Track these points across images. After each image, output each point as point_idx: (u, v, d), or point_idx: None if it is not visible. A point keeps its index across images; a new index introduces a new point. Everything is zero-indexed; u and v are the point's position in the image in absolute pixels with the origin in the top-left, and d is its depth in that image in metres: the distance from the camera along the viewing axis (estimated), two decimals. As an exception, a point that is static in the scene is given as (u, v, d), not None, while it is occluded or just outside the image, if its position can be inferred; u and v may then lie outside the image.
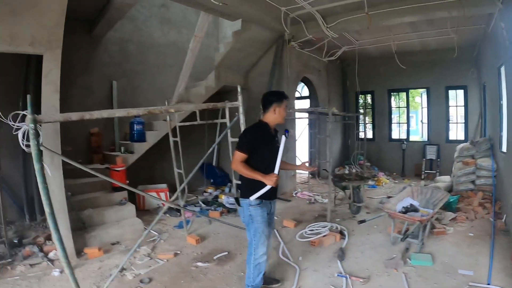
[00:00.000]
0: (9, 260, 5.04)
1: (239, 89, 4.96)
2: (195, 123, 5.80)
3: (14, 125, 4.56)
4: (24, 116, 4.59)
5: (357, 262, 4.94)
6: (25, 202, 6.92)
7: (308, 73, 11.24)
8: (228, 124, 5.26)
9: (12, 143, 6.39)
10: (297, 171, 10.66)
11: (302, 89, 13.61)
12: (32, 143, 2.88)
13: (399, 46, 10.67)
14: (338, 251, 5.22)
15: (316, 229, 6.20)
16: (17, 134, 4.71)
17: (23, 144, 4.64)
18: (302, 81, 11.53)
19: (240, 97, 4.93)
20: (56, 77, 5.11)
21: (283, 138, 3.62)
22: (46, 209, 2.99)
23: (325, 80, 12.38)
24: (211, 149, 5.68)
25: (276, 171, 3.57)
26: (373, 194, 9.41)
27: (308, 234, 6.02)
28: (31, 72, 6.68)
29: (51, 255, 5.27)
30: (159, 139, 7.98)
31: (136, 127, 7.78)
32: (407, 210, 5.69)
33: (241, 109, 4.89)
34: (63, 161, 4.91)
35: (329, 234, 5.92)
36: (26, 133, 4.54)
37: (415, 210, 5.74)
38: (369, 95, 14.18)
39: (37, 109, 5.01)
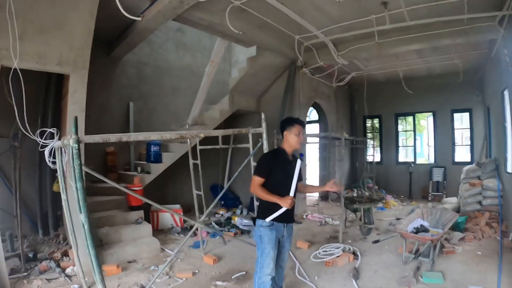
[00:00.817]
0: (25, 274, 5.12)
1: (262, 116, 5.14)
2: (217, 147, 6.01)
3: (41, 142, 4.76)
4: (50, 133, 4.82)
5: (371, 281, 5.07)
6: (39, 217, 7.07)
7: (318, 98, 11.50)
8: (251, 149, 5.43)
9: (28, 159, 6.60)
10: (307, 194, 10.77)
11: (311, 113, 13.84)
12: (75, 162, 3.00)
13: (405, 72, 10.97)
14: (353, 271, 5.33)
15: (329, 250, 6.28)
16: (44, 150, 4.92)
17: (49, 161, 4.83)
18: (312, 106, 11.76)
19: (264, 124, 5.11)
20: (82, 97, 5.32)
21: (298, 161, 3.72)
22: (86, 226, 3.12)
23: (334, 105, 12.66)
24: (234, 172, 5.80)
25: (291, 193, 3.60)
26: (382, 216, 9.49)
27: (322, 255, 6.11)
28: (51, 91, 6.93)
29: (68, 270, 5.35)
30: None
31: (153, 148, 7.96)
32: (418, 230, 5.87)
33: (264, 135, 5.05)
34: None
35: (343, 254, 6.03)
36: (52, 150, 4.76)
37: (426, 230, 5.91)
38: (376, 119, 14.44)
39: (56, 127, 5.26)
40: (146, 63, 9.39)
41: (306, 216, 9.58)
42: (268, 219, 3.72)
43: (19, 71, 4.47)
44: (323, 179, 11.78)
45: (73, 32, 5.18)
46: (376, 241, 6.56)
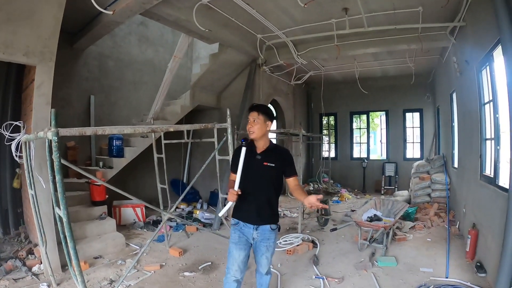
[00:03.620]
0: None
1: (228, 112, 5.29)
2: (182, 141, 6.10)
3: (8, 135, 4.67)
4: (16, 126, 4.73)
5: (330, 266, 5.50)
6: None
7: (276, 96, 11.83)
8: (216, 144, 5.57)
9: None
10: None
11: None
12: (54, 155, 2.98)
13: (361, 72, 11.50)
14: (313, 257, 5.78)
15: (289, 240, 6.59)
16: (7, 144, 4.82)
17: (16, 155, 4.75)
18: (270, 102, 11.95)
19: (229, 119, 5.25)
20: (48, 89, 5.16)
21: (242, 149, 3.29)
22: (65, 219, 3.14)
23: (291, 102, 13.07)
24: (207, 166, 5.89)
25: (236, 187, 3.22)
26: (337, 208, 10.01)
27: (282, 245, 6.42)
28: (10, 83, 6.60)
29: (34, 269, 5.22)
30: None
31: (115, 142, 7.87)
32: (372, 219, 6.39)
33: (229, 130, 5.19)
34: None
35: (302, 243, 6.41)
36: (19, 145, 4.68)
37: (379, 219, 6.43)
38: (332, 116, 15.07)
39: (15, 119, 5.13)
40: (108, 55, 9.23)
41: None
42: (220, 213, 3.62)
43: None
44: None
45: (41, 22, 5.00)
46: (334, 229, 6.92)
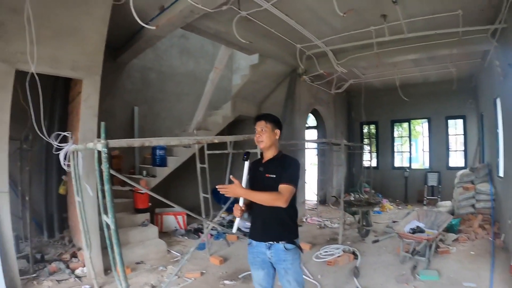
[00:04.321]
0: (34, 275, 5.23)
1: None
2: (225, 151, 6.23)
3: (56, 145, 4.90)
4: (64, 137, 4.97)
5: (371, 278, 5.38)
6: (45, 219, 7.12)
7: (317, 105, 11.76)
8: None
9: (35, 160, 6.64)
10: (306, 198, 11.00)
11: (308, 119, 13.87)
12: (104, 166, 3.11)
13: (402, 79, 11.23)
14: (354, 269, 5.67)
15: (330, 251, 6.53)
16: (53, 153, 5.03)
17: (64, 164, 4.98)
18: (311, 112, 12.00)
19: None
20: (95, 102, 5.46)
21: (245, 163, 3.11)
22: (112, 227, 3.25)
23: (332, 111, 12.96)
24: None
25: (240, 201, 3.05)
26: (378, 219, 9.79)
27: (323, 255, 6.37)
28: (57, 95, 7.03)
29: (77, 272, 5.47)
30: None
31: (158, 152, 8.12)
32: (414, 231, 6.22)
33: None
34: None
35: (343, 255, 6.32)
36: (67, 154, 4.91)
37: (421, 231, 6.26)
38: (373, 125, 14.79)
39: (62, 130, 5.40)
40: (150, 68, 9.60)
41: (306, 219, 9.81)
42: (233, 229, 3.34)
43: (36, 76, 4.59)
44: (322, 184, 12.01)
45: (86, 37, 5.32)
46: (376, 241, 6.83)
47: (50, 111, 6.95)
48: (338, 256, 6.25)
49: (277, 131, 3.26)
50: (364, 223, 7.73)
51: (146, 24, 5.68)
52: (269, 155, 3.25)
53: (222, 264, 6.11)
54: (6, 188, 4.67)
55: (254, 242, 3.21)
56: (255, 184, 3.16)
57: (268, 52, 8.54)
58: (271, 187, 2.99)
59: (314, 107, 11.69)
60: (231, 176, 3.09)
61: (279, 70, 9.49)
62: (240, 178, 3.02)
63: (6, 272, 4.51)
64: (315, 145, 11.45)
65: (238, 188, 2.91)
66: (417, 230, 6.23)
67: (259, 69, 9.13)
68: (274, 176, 3.05)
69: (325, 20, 7.00)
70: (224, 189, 2.93)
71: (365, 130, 15.12)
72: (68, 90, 6.95)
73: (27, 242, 5.79)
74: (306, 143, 10.67)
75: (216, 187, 2.90)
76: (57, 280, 5.16)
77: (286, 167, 3.04)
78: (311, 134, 14.17)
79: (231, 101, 9.67)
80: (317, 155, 12.53)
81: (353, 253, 6.52)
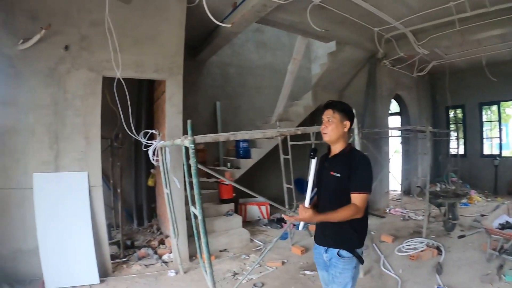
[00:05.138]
0: (124, 259, 5.81)
1: (354, 112, 5.14)
2: (308, 142, 6.27)
3: (145, 142, 5.32)
4: (152, 134, 5.35)
5: (454, 276, 5.00)
6: (135, 209, 7.92)
7: (399, 90, 11.20)
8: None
9: (125, 156, 7.31)
10: (390, 188, 10.69)
11: (390, 105, 13.34)
12: (192, 161, 3.32)
13: (488, 57, 10.15)
14: (436, 265, 5.32)
15: (413, 244, 6.25)
16: (143, 149, 5.50)
17: (153, 159, 5.38)
18: (393, 98, 11.46)
19: (355, 120, 5.07)
20: (179, 100, 5.83)
21: (312, 161, 2.64)
22: (200, 217, 3.42)
23: (415, 96, 12.16)
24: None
25: (306, 203, 2.62)
26: (465, 212, 8.97)
27: (406, 249, 6.11)
28: (143, 96, 7.70)
29: (164, 257, 5.94)
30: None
31: (242, 144, 8.40)
32: (503, 227, 5.60)
33: (356, 131, 5.06)
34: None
35: (426, 249, 5.99)
36: (155, 150, 5.29)
37: (511, 227, 5.63)
38: (459, 109, 13.39)
39: (148, 127, 5.87)
40: (229, 64, 9.97)
41: (389, 210, 9.49)
42: (300, 227, 2.91)
43: (122, 80, 5.05)
44: (406, 173, 11.46)
45: (166, 41, 5.70)
46: (462, 236, 6.37)
47: (136, 111, 7.61)
48: (421, 251, 5.94)
49: (347, 123, 2.83)
50: (450, 216, 7.21)
51: (221, 22, 5.87)
52: (336, 149, 2.86)
53: (303, 254, 6.15)
54: (100, 183, 5.23)
55: (315, 244, 2.95)
56: (320, 182, 2.83)
57: (345, 38, 8.34)
58: (335, 188, 2.71)
59: (396, 93, 11.13)
60: (300, 206, 2.60)
61: (358, 56, 9.22)
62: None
63: (99, 256, 5.06)
64: (398, 132, 10.98)
65: (307, 214, 2.51)
66: (506, 226, 5.59)
67: (337, 56, 8.94)
68: (339, 175, 2.67)
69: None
70: (293, 219, 2.71)
71: (451, 114, 13.72)
72: (153, 90, 7.46)
73: (119, 230, 6.41)
74: (389, 131, 10.30)
75: (283, 216, 2.67)
76: (145, 265, 5.65)
77: (354, 168, 2.63)
78: (395, 121, 13.46)
79: (312, 90, 9.62)
80: (401, 143, 12.01)
81: (437, 248, 6.13)
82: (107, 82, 5.27)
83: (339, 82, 10.03)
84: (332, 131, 2.77)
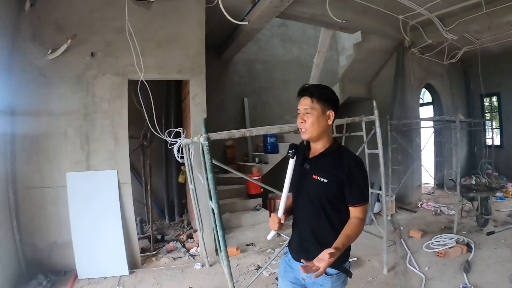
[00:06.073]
0: (153, 252, 6.07)
1: (374, 104, 5.07)
2: (337, 135, 6.28)
3: (170, 140, 5.54)
4: (176, 132, 5.55)
5: (482, 275, 4.82)
6: (166, 205, 8.22)
7: (430, 79, 10.81)
8: (365, 137, 5.57)
9: (155, 155, 7.63)
10: (423, 181, 10.35)
11: (424, 95, 12.86)
12: (206, 157, 3.47)
13: None
14: (464, 264, 5.13)
15: (443, 241, 6.08)
16: (171, 147, 5.69)
17: (178, 156, 5.59)
18: (424, 87, 11.09)
19: (376, 111, 5.04)
20: (202, 99, 5.98)
21: (290, 161, 2.18)
22: (216, 211, 3.53)
23: (447, 84, 11.64)
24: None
25: (280, 212, 2.21)
26: (501, 206, 8.53)
27: (434, 245, 5.97)
28: (171, 96, 7.97)
29: (192, 251, 6.15)
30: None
31: (269, 139, 8.51)
32: None
33: (377, 123, 5.05)
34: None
35: (456, 246, 5.80)
36: (180, 147, 5.49)
37: None
38: (494, 96, 12.57)
39: (178, 125, 6.07)
40: (255, 60, 10.06)
41: (421, 204, 9.20)
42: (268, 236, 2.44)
43: (145, 83, 5.31)
44: (439, 166, 10.95)
45: (187, 42, 5.86)
46: (491, 233, 6.17)
47: (166, 110, 7.91)
48: (450, 247, 5.76)
49: (331, 113, 2.18)
50: (482, 211, 6.90)
51: (242, 19, 5.98)
52: (318, 148, 2.26)
53: (328, 250, 6.16)
54: (129, 180, 5.49)
55: (290, 257, 2.39)
56: (299, 186, 2.27)
57: (369, 28, 8.18)
58: (316, 194, 2.17)
59: (427, 82, 10.74)
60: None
61: (385, 46, 9.00)
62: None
63: (128, 249, 5.36)
64: (430, 123, 10.70)
65: (329, 260, 1.78)
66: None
67: (363, 47, 8.75)
68: (326, 180, 2.13)
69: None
70: (311, 270, 1.82)
71: (486, 103, 12.88)
72: (181, 90, 7.67)
73: (149, 225, 6.68)
74: (421, 122, 10.04)
75: (300, 267, 1.86)
76: (173, 258, 5.89)
77: (350, 177, 2.10)
78: (427, 111, 12.84)
79: (339, 83, 9.46)
80: (434, 134, 11.63)
81: (467, 244, 5.91)
82: (134, 84, 5.56)
83: (366, 73, 9.83)
84: (313, 125, 2.15)
